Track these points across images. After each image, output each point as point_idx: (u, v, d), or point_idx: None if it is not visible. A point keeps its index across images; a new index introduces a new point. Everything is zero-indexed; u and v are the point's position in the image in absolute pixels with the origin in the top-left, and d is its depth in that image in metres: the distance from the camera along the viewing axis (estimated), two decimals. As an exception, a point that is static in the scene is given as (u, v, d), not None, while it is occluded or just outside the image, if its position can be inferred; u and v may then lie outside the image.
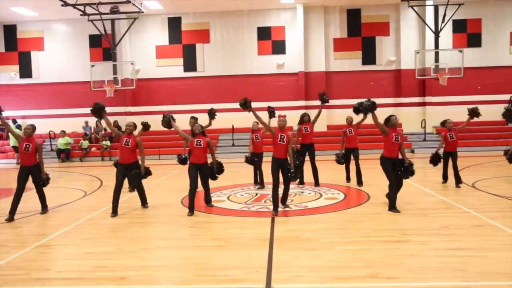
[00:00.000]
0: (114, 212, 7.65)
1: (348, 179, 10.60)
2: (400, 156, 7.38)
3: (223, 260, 5.12)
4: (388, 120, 7.45)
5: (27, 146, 7.53)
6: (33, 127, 7.72)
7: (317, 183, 10.10)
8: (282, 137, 7.44)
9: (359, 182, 10.06)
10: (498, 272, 4.52)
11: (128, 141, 7.73)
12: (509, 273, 4.51)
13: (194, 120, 9.99)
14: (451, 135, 9.53)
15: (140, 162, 7.95)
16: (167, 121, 8.12)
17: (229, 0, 18.64)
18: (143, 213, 7.89)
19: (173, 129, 8.21)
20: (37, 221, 7.52)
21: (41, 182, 7.76)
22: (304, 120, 10.09)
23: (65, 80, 20.80)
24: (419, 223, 6.59)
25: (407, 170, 7.29)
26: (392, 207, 7.37)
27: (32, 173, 7.67)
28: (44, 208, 8.07)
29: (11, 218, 7.48)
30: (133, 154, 7.86)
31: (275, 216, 7.20)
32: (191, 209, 7.62)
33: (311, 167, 10.09)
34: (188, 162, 8.38)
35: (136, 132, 8.74)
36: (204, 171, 7.82)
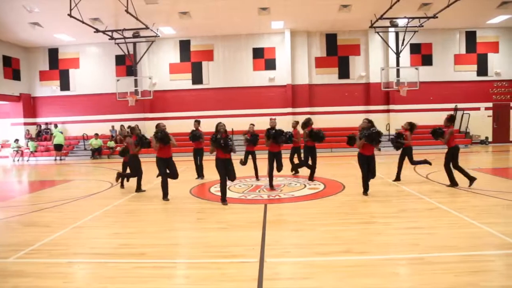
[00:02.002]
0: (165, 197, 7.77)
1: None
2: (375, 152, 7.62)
3: (225, 239, 5.12)
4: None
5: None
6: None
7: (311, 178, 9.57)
8: None
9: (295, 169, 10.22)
10: (445, 245, 4.57)
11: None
12: (454, 245, 4.56)
13: (197, 123, 10.12)
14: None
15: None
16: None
17: (230, 26, 18.60)
18: (160, 201, 7.80)
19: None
20: (74, 207, 7.47)
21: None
22: (309, 123, 9.37)
23: (96, 92, 20.68)
24: (384, 208, 6.62)
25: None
26: (365, 191, 7.60)
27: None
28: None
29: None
30: (170, 150, 7.95)
31: (267, 201, 7.22)
32: (224, 199, 7.22)
33: (312, 164, 9.51)
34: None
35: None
36: (229, 165, 7.24)
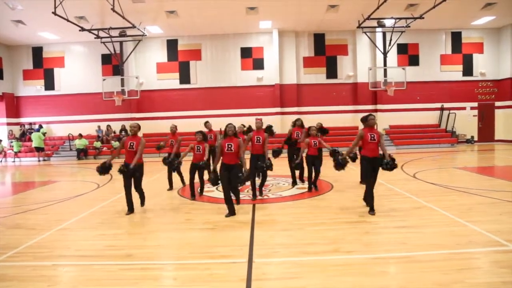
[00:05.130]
0: (130, 210, 6.71)
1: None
2: (380, 152, 6.27)
3: (213, 240, 5.09)
4: (365, 119, 6.30)
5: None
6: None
7: (302, 180, 9.10)
8: (258, 138, 7.44)
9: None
10: (432, 243, 4.63)
11: (132, 144, 6.56)
12: (441, 244, 4.61)
13: (174, 127, 9.40)
14: (315, 142, 8.07)
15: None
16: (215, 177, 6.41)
17: (218, 25, 18.54)
18: (147, 202, 7.60)
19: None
20: (59, 209, 7.34)
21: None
22: (296, 124, 9.11)
23: (81, 91, 20.39)
24: (371, 207, 6.65)
25: (388, 165, 6.12)
26: (371, 209, 6.24)
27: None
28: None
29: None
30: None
31: (254, 202, 7.21)
32: (231, 211, 6.35)
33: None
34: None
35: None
36: (233, 173, 6.29)
